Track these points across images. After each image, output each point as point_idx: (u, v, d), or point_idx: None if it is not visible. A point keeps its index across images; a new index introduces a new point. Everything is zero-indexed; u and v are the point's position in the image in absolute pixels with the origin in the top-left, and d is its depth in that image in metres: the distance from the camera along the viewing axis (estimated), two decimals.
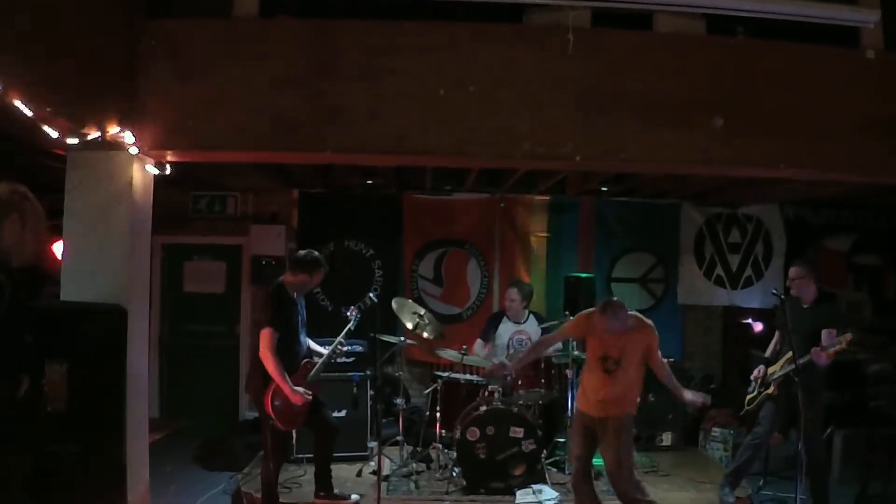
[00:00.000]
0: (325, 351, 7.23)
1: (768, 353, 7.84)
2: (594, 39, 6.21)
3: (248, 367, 7.41)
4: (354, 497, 7.35)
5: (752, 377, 7.78)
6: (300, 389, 6.70)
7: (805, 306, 7.37)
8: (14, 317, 3.64)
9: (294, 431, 7.58)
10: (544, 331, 9.15)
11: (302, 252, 7.17)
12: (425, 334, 8.51)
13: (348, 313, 7.45)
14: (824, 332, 7.01)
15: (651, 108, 6.21)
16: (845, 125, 6.31)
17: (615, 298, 6.76)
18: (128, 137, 5.83)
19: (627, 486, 6.33)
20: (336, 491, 7.34)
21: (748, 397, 7.80)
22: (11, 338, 3.66)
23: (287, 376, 6.65)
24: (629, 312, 6.46)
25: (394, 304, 8.55)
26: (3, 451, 3.67)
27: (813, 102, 6.33)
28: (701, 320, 11.56)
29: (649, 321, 6.49)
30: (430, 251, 11.06)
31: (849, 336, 6.83)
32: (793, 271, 7.48)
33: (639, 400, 6.54)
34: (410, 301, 8.92)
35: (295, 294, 7.03)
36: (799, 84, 6.35)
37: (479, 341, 9.33)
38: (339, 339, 7.25)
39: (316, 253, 7.12)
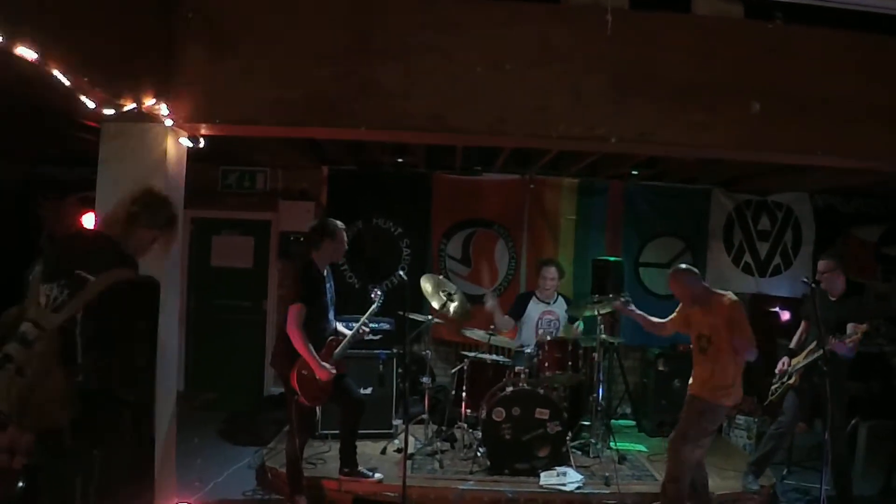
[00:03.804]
0: (348, 331, 7.24)
1: (793, 343, 7.86)
2: (632, 21, 6.16)
3: (275, 342, 7.41)
4: (378, 476, 7.37)
5: (776, 370, 7.77)
6: (326, 365, 6.72)
7: (832, 299, 7.36)
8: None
9: (319, 408, 7.61)
10: (569, 315, 9.16)
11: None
12: (451, 310, 8.54)
13: (372, 295, 7.44)
14: (849, 326, 6.99)
15: (687, 91, 6.16)
16: (883, 114, 6.24)
17: (682, 265, 6.82)
18: (163, 110, 5.81)
19: (672, 468, 6.55)
20: (360, 468, 7.36)
21: (772, 387, 7.81)
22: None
23: (314, 352, 6.68)
24: (716, 291, 6.64)
25: (423, 282, 8.57)
26: None
27: (850, 90, 6.26)
28: None
29: (730, 296, 6.52)
30: (458, 231, 11.06)
31: (864, 326, 6.88)
32: (821, 265, 7.46)
33: (734, 395, 6.51)
34: (441, 277, 8.91)
35: (325, 271, 7.05)
36: (837, 71, 6.28)
37: (506, 316, 9.30)
38: (364, 319, 7.26)
39: (330, 220, 7.13)
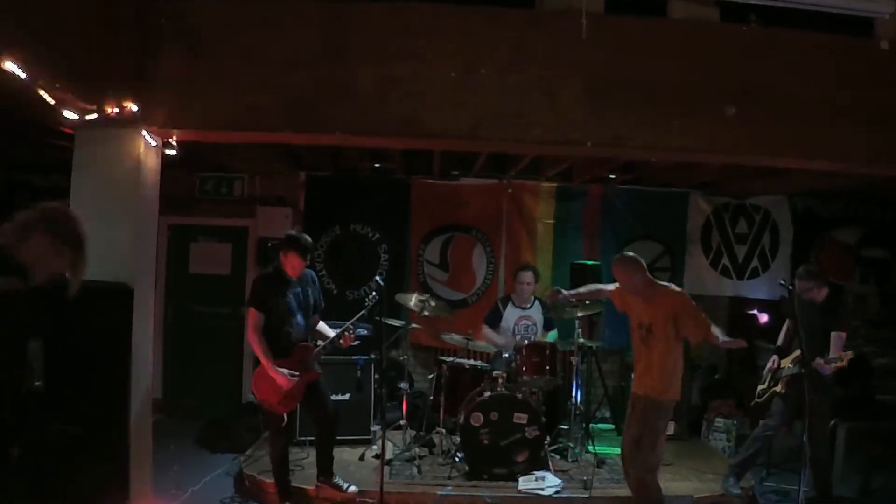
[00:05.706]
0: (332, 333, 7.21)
1: (780, 340, 7.87)
2: (607, 25, 6.18)
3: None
4: (353, 489, 7.30)
5: (766, 369, 7.78)
6: (284, 371, 6.68)
7: (817, 304, 7.35)
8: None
9: (297, 412, 7.53)
10: (546, 318, 9.14)
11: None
12: (425, 313, 8.52)
13: (369, 298, 7.23)
14: (833, 335, 7.00)
15: (663, 95, 6.18)
16: (857, 116, 6.28)
17: (628, 253, 6.70)
18: (137, 116, 5.79)
19: (639, 470, 6.39)
20: (335, 479, 7.30)
21: (759, 388, 7.82)
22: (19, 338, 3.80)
23: (271, 357, 6.65)
24: (661, 283, 6.51)
25: (398, 298, 8.56)
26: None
27: (825, 92, 6.30)
28: (707, 310, 11.38)
29: (677, 290, 6.45)
30: (436, 236, 11.03)
31: (849, 354, 6.93)
32: (800, 285, 7.38)
33: (673, 391, 6.40)
34: (413, 295, 8.87)
35: (291, 277, 6.99)
36: (811, 74, 6.31)
37: (485, 327, 9.29)
38: (349, 324, 7.18)
39: (294, 233, 7.05)
